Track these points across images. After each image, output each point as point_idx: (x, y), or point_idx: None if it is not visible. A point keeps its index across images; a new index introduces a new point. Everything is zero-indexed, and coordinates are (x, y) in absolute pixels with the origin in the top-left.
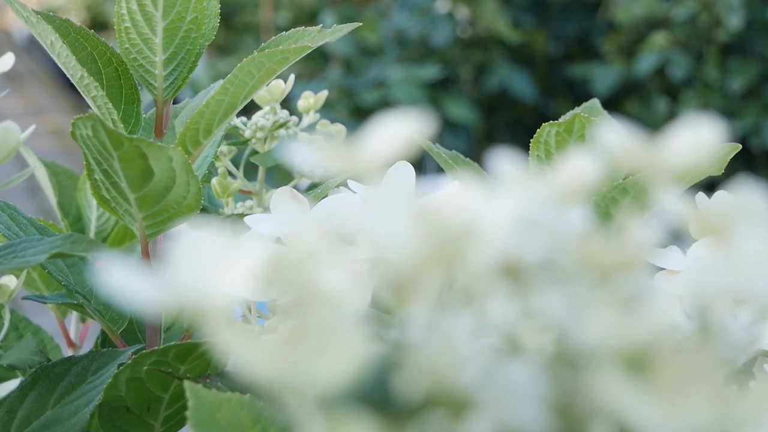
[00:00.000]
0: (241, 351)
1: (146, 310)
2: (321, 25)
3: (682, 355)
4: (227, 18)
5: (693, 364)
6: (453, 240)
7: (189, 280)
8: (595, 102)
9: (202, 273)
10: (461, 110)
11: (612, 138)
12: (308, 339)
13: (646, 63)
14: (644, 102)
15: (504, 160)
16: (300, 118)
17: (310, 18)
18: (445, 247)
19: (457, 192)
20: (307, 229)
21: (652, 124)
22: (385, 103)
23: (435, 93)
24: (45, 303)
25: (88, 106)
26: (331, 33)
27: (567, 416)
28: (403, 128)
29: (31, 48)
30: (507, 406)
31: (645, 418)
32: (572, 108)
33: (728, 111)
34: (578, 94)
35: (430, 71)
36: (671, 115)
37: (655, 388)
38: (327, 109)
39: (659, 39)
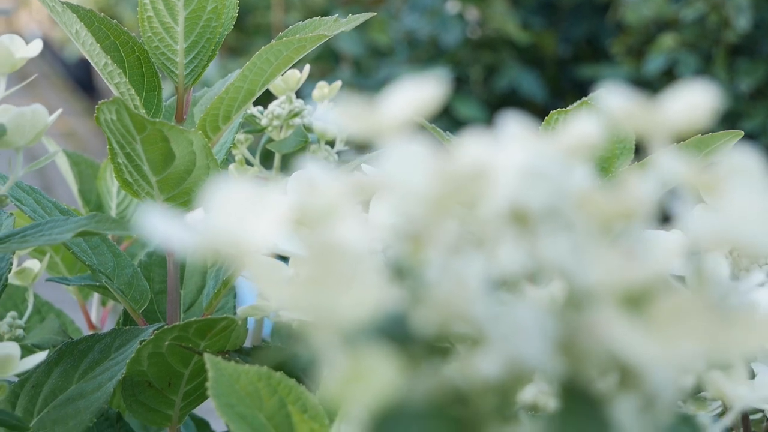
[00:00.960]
0: (272, 286)
1: (188, 254)
2: (336, 16)
3: (677, 296)
4: (239, 20)
5: (686, 304)
6: (464, 186)
7: (225, 226)
8: (603, 92)
9: (237, 220)
10: (471, 110)
11: (613, 100)
12: (331, 279)
13: (654, 64)
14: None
15: (512, 121)
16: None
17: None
18: (457, 192)
19: (469, 145)
20: (331, 183)
21: None
22: None
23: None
24: (68, 285)
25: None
26: (346, 23)
27: (570, 352)
28: (417, 92)
29: (43, 51)
30: (514, 342)
31: (641, 353)
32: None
33: (736, 111)
34: (587, 95)
35: (440, 72)
36: None
37: (651, 326)
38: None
39: (668, 40)
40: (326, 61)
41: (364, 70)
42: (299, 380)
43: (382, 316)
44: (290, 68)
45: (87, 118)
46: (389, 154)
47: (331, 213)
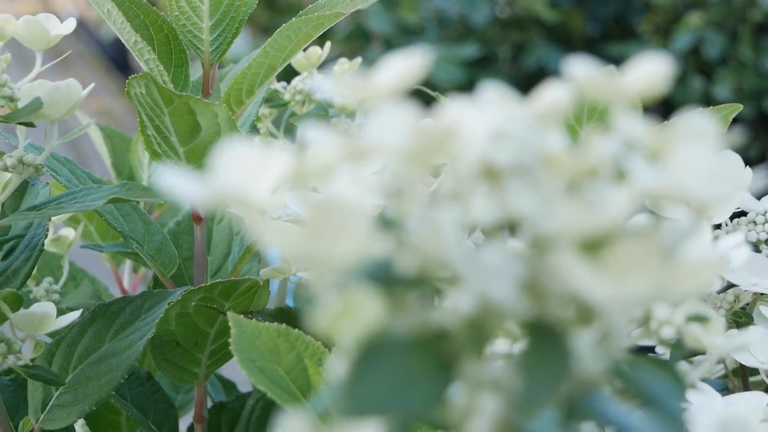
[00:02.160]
0: (273, 236)
1: (196, 206)
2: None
3: (629, 242)
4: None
5: (637, 249)
6: (439, 144)
7: (230, 182)
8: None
9: (241, 176)
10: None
11: (578, 69)
12: (326, 230)
13: (681, 42)
14: (680, 80)
15: (488, 88)
16: None
17: None
18: (433, 150)
19: (447, 107)
20: (328, 144)
21: (687, 101)
22: (425, 81)
23: (474, 72)
24: (101, 251)
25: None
26: (362, 1)
27: (535, 291)
28: (406, 63)
29: (78, 30)
30: (485, 282)
31: (596, 292)
32: None
33: (762, 89)
34: None
35: (469, 50)
36: (706, 93)
37: (606, 268)
38: None
39: (694, 19)
40: (356, 40)
41: (394, 48)
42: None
43: (369, 261)
44: (315, 45)
45: (121, 97)
46: (374, 117)
47: (327, 171)
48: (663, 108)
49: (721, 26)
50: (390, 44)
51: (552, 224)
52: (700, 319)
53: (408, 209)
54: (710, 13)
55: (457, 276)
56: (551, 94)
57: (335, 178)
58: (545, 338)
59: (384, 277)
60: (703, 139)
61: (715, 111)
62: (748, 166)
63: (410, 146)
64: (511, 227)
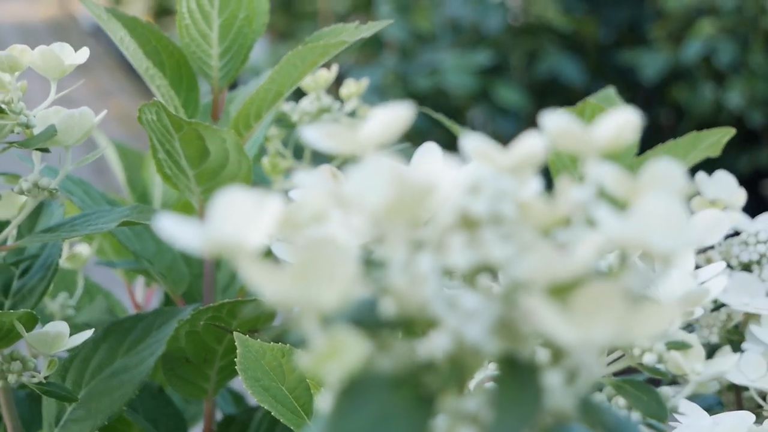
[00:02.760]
0: (264, 281)
1: (193, 252)
2: (357, 23)
3: (595, 287)
4: (288, 5)
5: (602, 293)
6: (417, 197)
7: (224, 230)
8: (610, 91)
9: (235, 224)
10: (513, 96)
11: (551, 123)
12: (314, 274)
13: (693, 49)
14: (691, 88)
15: (470, 138)
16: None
17: (366, 5)
18: (411, 203)
19: (427, 161)
20: (317, 193)
21: (699, 108)
22: (439, 89)
23: (487, 79)
24: (114, 268)
25: (152, 92)
26: (366, 29)
27: (508, 332)
28: (391, 116)
29: (98, 33)
30: (460, 326)
31: (564, 335)
32: (625, 95)
33: None
34: (627, 80)
35: (483, 58)
36: (717, 101)
37: (573, 311)
38: (382, 95)
39: (706, 26)
40: (371, 48)
41: (408, 55)
42: None
43: (354, 304)
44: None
45: (141, 100)
46: (355, 173)
47: (315, 219)
48: (675, 114)
49: (733, 34)
50: (404, 51)
51: (523, 270)
52: (680, 346)
53: (390, 255)
54: (722, 21)
55: (436, 318)
56: (527, 145)
57: (322, 224)
58: (517, 375)
59: (367, 320)
60: (669, 186)
61: (709, 134)
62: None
63: (389, 202)
64: (488, 270)
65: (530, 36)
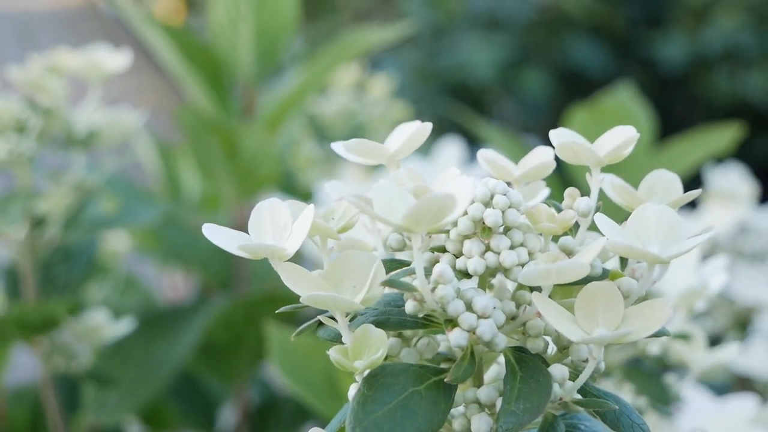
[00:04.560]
0: (298, 283)
1: (234, 255)
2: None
3: (596, 287)
4: None
5: (603, 293)
6: (436, 212)
7: (260, 238)
8: (627, 92)
9: (272, 231)
10: (536, 86)
11: (558, 139)
12: (343, 276)
13: (715, 39)
14: (714, 77)
15: (485, 152)
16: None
17: None
18: (429, 213)
19: (446, 175)
20: (345, 202)
21: (721, 98)
22: (464, 80)
23: (511, 69)
24: (153, 260)
25: (175, 80)
26: (387, 33)
27: (519, 328)
28: (412, 131)
29: (121, 21)
30: (474, 324)
31: (568, 332)
32: (644, 83)
33: None
34: (651, 71)
35: (505, 48)
36: (737, 91)
37: (577, 311)
38: (406, 89)
39: (729, 16)
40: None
41: (434, 47)
42: None
43: (380, 304)
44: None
45: (166, 91)
46: (379, 190)
47: (342, 229)
48: (697, 102)
49: (756, 24)
50: (429, 43)
51: (531, 274)
52: (683, 336)
53: (412, 261)
54: (744, 11)
55: (453, 317)
56: (537, 157)
57: (351, 232)
58: (528, 367)
59: (392, 318)
60: (666, 196)
61: (715, 132)
62: None
63: (410, 214)
64: (499, 272)
65: (553, 25)
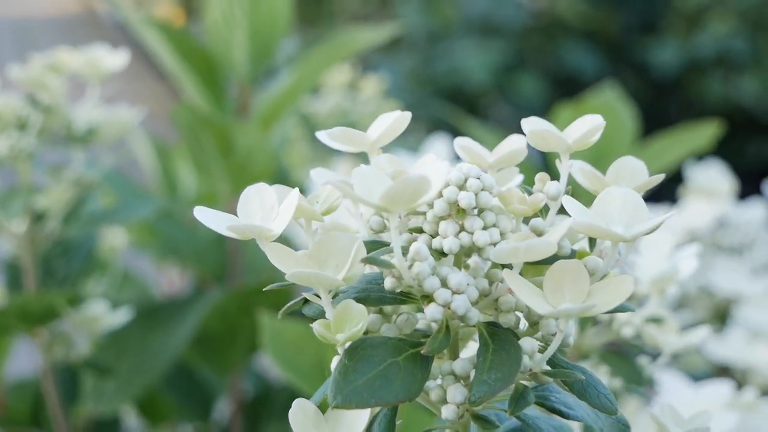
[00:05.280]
0: (284, 262)
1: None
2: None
3: (565, 265)
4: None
5: (571, 270)
6: (412, 193)
7: (249, 220)
8: (613, 92)
9: (260, 213)
10: (533, 91)
11: (529, 126)
12: (326, 255)
13: (708, 44)
14: (707, 81)
15: (461, 140)
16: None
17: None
18: (407, 198)
19: (422, 160)
20: (329, 185)
21: (714, 102)
22: (459, 84)
23: (506, 74)
24: (149, 254)
25: (174, 86)
26: (377, 34)
27: (491, 303)
28: (392, 121)
29: (120, 28)
30: (449, 300)
31: (537, 307)
32: (638, 87)
33: None
34: (645, 76)
35: (501, 53)
36: (730, 95)
37: (546, 286)
38: (402, 93)
39: (722, 21)
40: (393, 42)
41: (429, 50)
42: None
43: (361, 281)
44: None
45: (163, 95)
46: (360, 174)
47: (326, 212)
48: (689, 106)
49: (748, 29)
50: (424, 46)
51: (502, 251)
52: (656, 320)
53: (391, 242)
54: (737, 17)
55: (429, 293)
56: (510, 144)
57: (334, 214)
58: (500, 340)
59: (372, 294)
60: (632, 180)
61: (697, 128)
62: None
63: (388, 194)
64: (473, 251)
65: (547, 29)
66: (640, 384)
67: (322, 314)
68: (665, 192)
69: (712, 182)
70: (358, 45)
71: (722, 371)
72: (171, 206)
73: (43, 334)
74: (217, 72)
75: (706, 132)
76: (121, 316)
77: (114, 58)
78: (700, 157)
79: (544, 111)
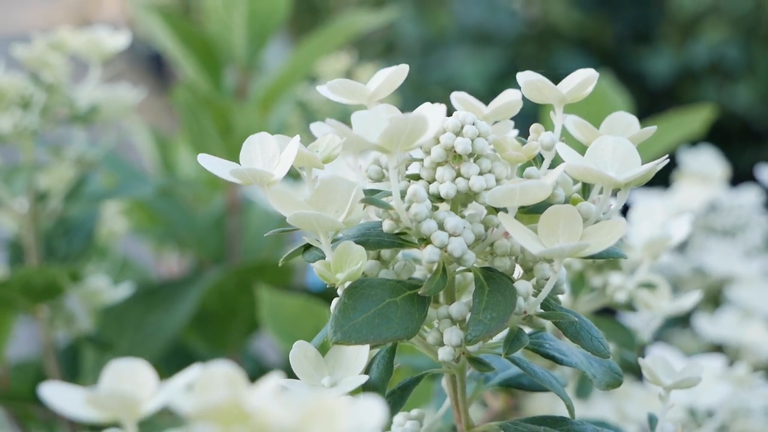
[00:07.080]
0: (286, 206)
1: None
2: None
3: (559, 209)
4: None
5: (565, 214)
6: (409, 135)
7: (251, 166)
8: (602, 80)
9: (262, 159)
10: (527, 99)
11: (523, 78)
12: (326, 200)
13: (702, 52)
14: (701, 90)
15: (457, 93)
16: None
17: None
18: (403, 133)
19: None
20: (329, 136)
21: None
22: (453, 91)
23: (500, 82)
24: (148, 237)
25: (169, 86)
26: (372, 19)
27: (488, 247)
28: (390, 74)
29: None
30: (446, 242)
31: (532, 247)
32: (632, 95)
33: None
34: (640, 84)
35: (495, 61)
36: (724, 104)
37: (541, 229)
38: (396, 97)
39: (716, 29)
40: (386, 49)
41: (421, 58)
42: None
43: (360, 225)
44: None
45: (159, 100)
46: (359, 116)
47: (327, 159)
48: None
49: (742, 37)
50: (416, 54)
51: (497, 193)
52: (648, 285)
53: (390, 185)
54: (731, 24)
55: (426, 236)
56: (505, 97)
57: (334, 162)
58: (495, 283)
59: (371, 237)
60: (624, 131)
61: (690, 112)
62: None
63: (386, 134)
64: (470, 196)
65: (541, 38)
66: (632, 349)
67: (321, 259)
68: (658, 176)
69: (705, 167)
70: (353, 30)
71: (715, 350)
72: (171, 184)
73: (45, 311)
74: (215, 54)
75: (699, 117)
76: (121, 291)
77: (115, 38)
78: (694, 143)
79: (538, 118)
